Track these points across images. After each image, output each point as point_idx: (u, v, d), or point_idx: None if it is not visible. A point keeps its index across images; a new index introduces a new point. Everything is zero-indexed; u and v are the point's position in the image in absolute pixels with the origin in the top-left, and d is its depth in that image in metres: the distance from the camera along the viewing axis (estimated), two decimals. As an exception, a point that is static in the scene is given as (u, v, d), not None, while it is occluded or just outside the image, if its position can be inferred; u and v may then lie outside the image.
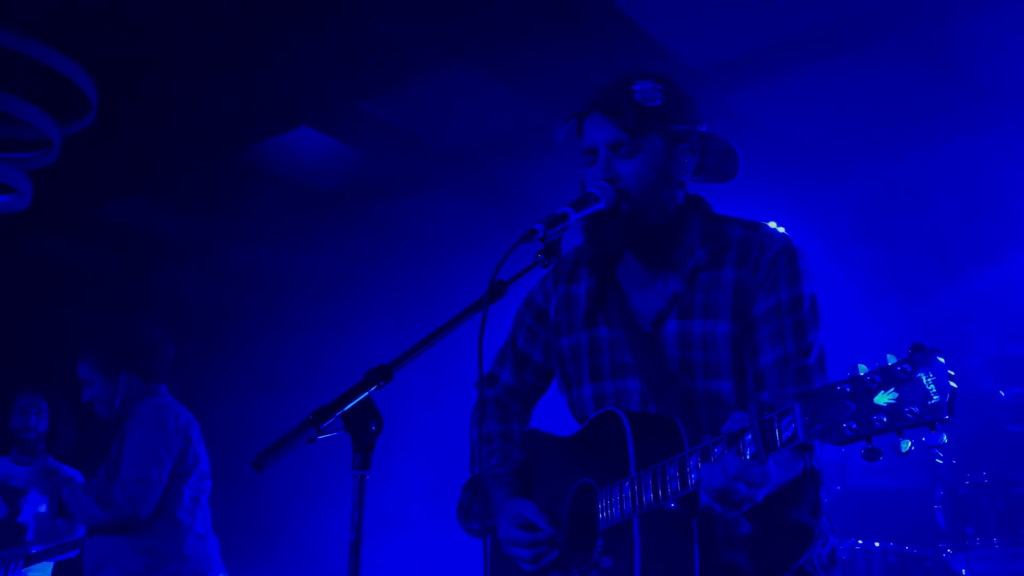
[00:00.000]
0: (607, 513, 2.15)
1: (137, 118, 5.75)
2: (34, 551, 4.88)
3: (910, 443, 1.68)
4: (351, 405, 1.75)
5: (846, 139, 6.04)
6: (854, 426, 1.69)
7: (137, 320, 4.79)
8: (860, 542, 4.73)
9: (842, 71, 5.39)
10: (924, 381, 1.65)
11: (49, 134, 4.84)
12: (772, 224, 6.97)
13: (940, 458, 4.91)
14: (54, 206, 6.06)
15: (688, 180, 2.41)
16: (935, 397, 1.64)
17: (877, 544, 4.72)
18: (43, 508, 4.88)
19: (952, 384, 1.63)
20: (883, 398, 1.68)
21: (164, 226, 7.30)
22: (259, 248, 7.58)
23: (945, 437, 1.64)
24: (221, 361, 7.87)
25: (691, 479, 1.95)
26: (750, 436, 1.83)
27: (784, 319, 2.22)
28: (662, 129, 2.28)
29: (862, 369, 1.72)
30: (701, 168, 2.43)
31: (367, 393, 1.78)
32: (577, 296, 2.52)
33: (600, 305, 2.44)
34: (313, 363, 7.65)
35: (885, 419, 1.66)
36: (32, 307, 7.52)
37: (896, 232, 6.15)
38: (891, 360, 1.70)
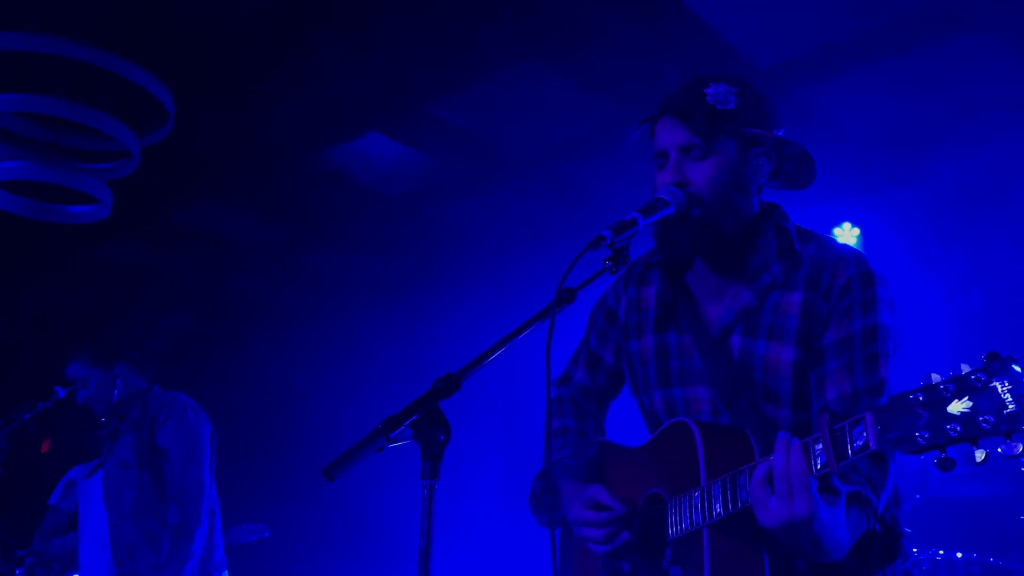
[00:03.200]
0: (676, 523, 2.12)
1: (212, 127, 5.87)
2: None
3: (985, 453, 1.63)
4: (419, 414, 1.75)
5: (923, 134, 5.89)
6: (927, 435, 1.65)
7: (127, 311, 4.82)
8: (941, 552, 4.59)
9: (918, 64, 5.26)
10: (999, 390, 1.61)
11: (128, 145, 4.97)
12: (847, 228, 6.78)
13: None
14: (133, 214, 6.21)
15: (763, 186, 2.36)
16: (1011, 406, 1.59)
17: (960, 555, 4.57)
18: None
19: None
20: (957, 407, 1.63)
21: (239, 231, 7.43)
22: (332, 252, 7.68)
23: (1022, 447, 1.59)
24: (295, 363, 8.00)
25: None
26: (821, 445, 1.79)
27: (855, 352, 2.13)
28: (735, 133, 2.22)
29: (935, 378, 1.68)
30: (776, 174, 2.36)
31: (435, 402, 1.78)
32: (647, 299, 2.48)
33: (670, 310, 2.40)
34: (386, 364, 7.71)
35: (959, 429, 1.62)
36: (113, 311, 7.72)
37: (978, 228, 5.96)
38: (965, 369, 1.65)
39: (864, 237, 6.61)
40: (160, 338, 4.60)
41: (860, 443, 1.73)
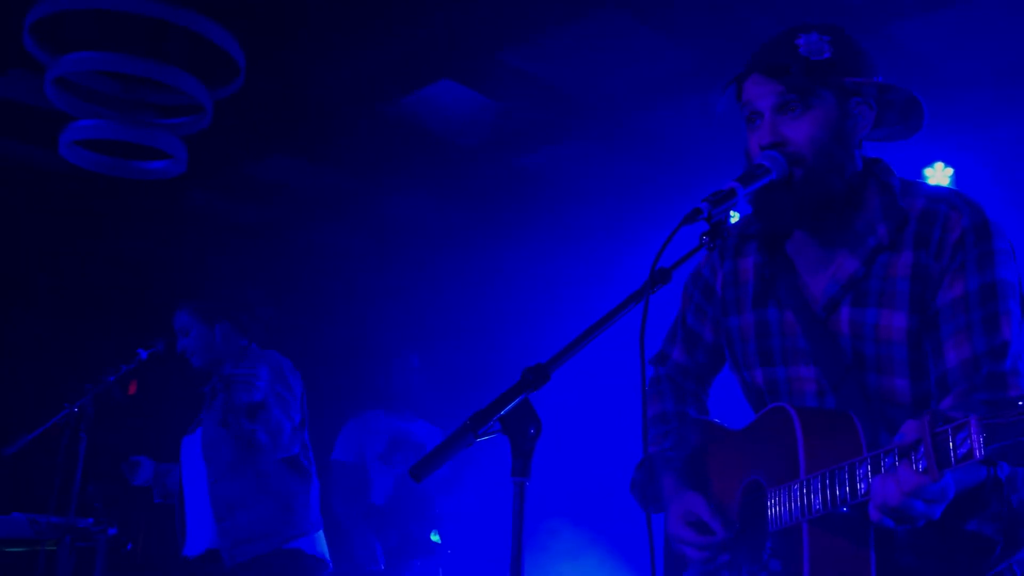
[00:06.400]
0: (776, 514, 2.01)
1: (283, 78, 5.82)
2: None
3: None
4: (509, 408, 1.67)
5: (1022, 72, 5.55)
6: None
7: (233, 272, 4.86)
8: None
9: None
10: None
11: (201, 100, 4.94)
12: (939, 168, 6.47)
13: None
14: (208, 167, 6.22)
15: (865, 139, 2.19)
16: None
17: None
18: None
19: None
20: None
21: (313, 181, 7.42)
22: (405, 201, 7.63)
23: None
24: (367, 313, 8.02)
25: (861, 488, 1.79)
26: (923, 450, 1.66)
27: (973, 312, 1.96)
28: (834, 84, 2.07)
29: None
30: (879, 123, 2.19)
31: (524, 395, 1.69)
32: (745, 272, 2.34)
33: (770, 284, 2.26)
34: (462, 313, 7.69)
35: None
36: (191, 262, 7.80)
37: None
38: None
39: (957, 178, 6.31)
40: (264, 304, 4.63)
41: (964, 451, 1.57)
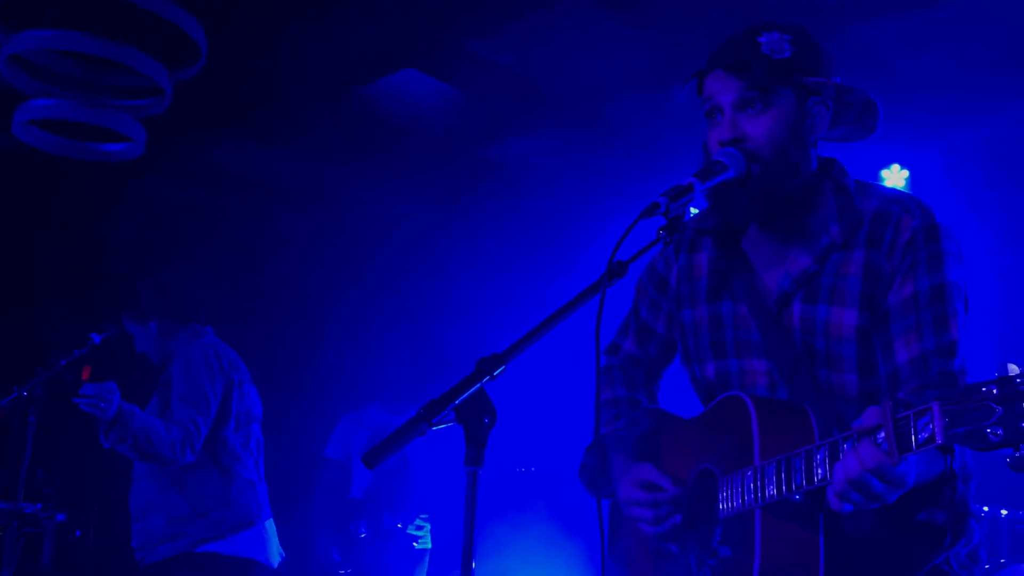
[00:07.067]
0: (728, 502, 2.04)
1: (245, 63, 5.76)
2: None
3: None
4: (464, 397, 1.66)
5: (981, 76, 5.63)
6: (1000, 432, 1.52)
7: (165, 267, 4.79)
8: (986, 509, 4.50)
9: (976, 6, 5.00)
10: None
11: (161, 82, 4.87)
12: (895, 170, 6.57)
13: None
14: (167, 151, 6.14)
15: (821, 139, 2.22)
16: None
17: (1005, 512, 4.48)
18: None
19: None
20: None
21: (274, 168, 7.36)
22: (368, 189, 7.59)
23: None
24: (332, 300, 7.97)
25: (818, 474, 1.82)
26: (883, 434, 1.68)
27: (923, 312, 2.00)
28: (794, 83, 2.09)
29: (1012, 369, 1.55)
30: (836, 123, 2.22)
31: (479, 384, 1.69)
32: (699, 267, 2.36)
33: (725, 278, 2.28)
34: (424, 303, 7.66)
35: None
36: (147, 248, 7.69)
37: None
38: None
39: (913, 180, 6.40)
40: (188, 291, 4.52)
41: (925, 435, 1.61)
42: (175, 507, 4.14)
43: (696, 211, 2.49)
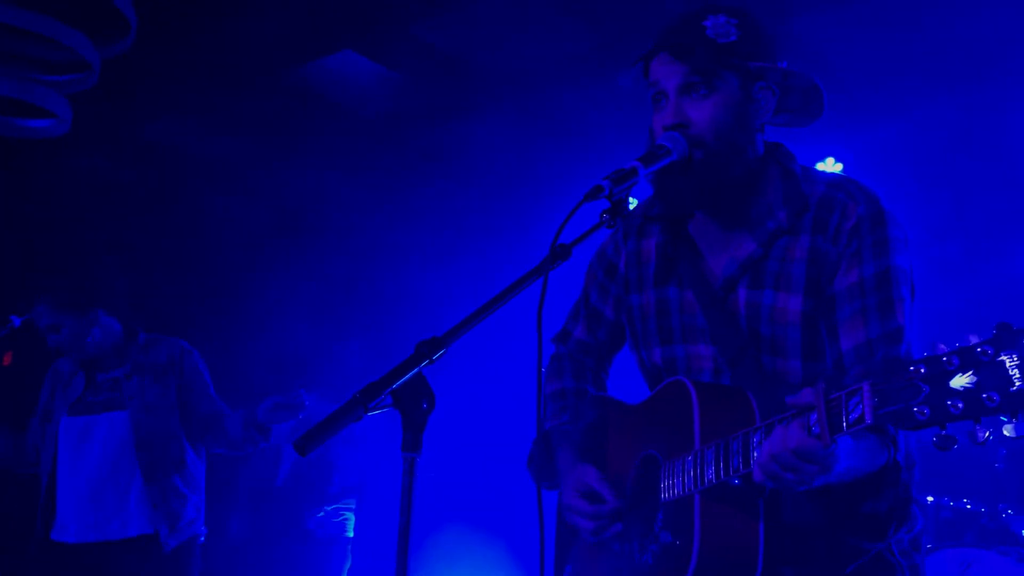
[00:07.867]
0: (669, 487, 2.04)
1: (177, 39, 5.60)
2: None
3: (988, 433, 1.54)
4: (401, 381, 1.63)
5: (912, 69, 5.72)
6: (927, 411, 1.54)
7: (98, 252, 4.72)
8: (930, 499, 4.58)
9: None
10: (1007, 365, 1.49)
11: (88, 58, 4.71)
12: (830, 163, 6.65)
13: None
14: (94, 128, 5.96)
15: (768, 123, 2.21)
16: (1019, 383, 1.48)
17: (931, 499, 4.57)
18: None
19: None
20: (960, 382, 1.52)
21: (207, 147, 7.20)
22: (301, 171, 7.47)
23: None
24: (261, 282, 7.83)
25: (753, 457, 1.82)
26: (815, 416, 1.69)
27: (868, 298, 2.01)
28: (738, 67, 2.08)
29: (940, 348, 1.57)
30: (781, 108, 2.22)
31: (418, 368, 1.65)
32: (647, 252, 2.35)
33: (672, 263, 2.27)
34: (356, 285, 7.58)
35: (961, 406, 1.51)
36: (74, 228, 7.48)
37: (964, 174, 5.80)
38: (972, 340, 1.53)
39: (846, 174, 6.49)
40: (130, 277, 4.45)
41: (856, 415, 1.62)
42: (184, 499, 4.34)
43: (636, 202, 2.49)
